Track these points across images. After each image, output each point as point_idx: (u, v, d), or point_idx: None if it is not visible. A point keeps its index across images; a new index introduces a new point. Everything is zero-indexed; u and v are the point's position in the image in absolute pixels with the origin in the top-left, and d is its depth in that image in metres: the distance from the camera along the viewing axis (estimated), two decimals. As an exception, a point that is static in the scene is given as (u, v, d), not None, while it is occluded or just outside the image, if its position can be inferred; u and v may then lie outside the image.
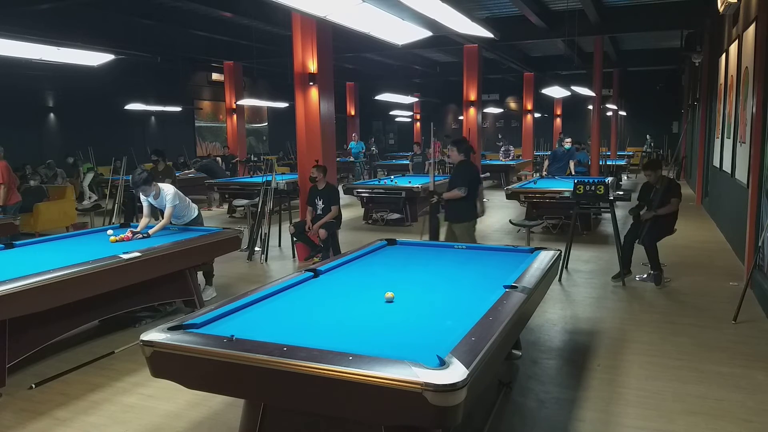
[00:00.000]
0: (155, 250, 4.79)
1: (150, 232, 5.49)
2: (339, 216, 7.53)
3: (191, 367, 2.53)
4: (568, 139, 11.75)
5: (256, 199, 8.55)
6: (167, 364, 2.59)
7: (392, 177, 13.11)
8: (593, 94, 15.33)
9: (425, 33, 5.13)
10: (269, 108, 22.07)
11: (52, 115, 15.68)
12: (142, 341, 2.59)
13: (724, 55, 8.87)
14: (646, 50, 18.11)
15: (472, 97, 13.97)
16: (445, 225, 6.16)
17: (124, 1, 10.84)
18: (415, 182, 10.84)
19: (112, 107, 16.00)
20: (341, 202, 7.64)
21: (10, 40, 7.32)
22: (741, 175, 6.93)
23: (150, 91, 16.22)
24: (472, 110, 14.07)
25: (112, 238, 5.33)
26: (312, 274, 3.84)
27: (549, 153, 14.46)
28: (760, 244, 5.62)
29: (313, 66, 7.47)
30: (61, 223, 9.75)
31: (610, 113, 21.68)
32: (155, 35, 13.45)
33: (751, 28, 6.39)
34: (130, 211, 9.30)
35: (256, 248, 7.91)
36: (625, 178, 18.50)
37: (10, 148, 10.23)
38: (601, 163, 15.22)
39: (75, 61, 8.74)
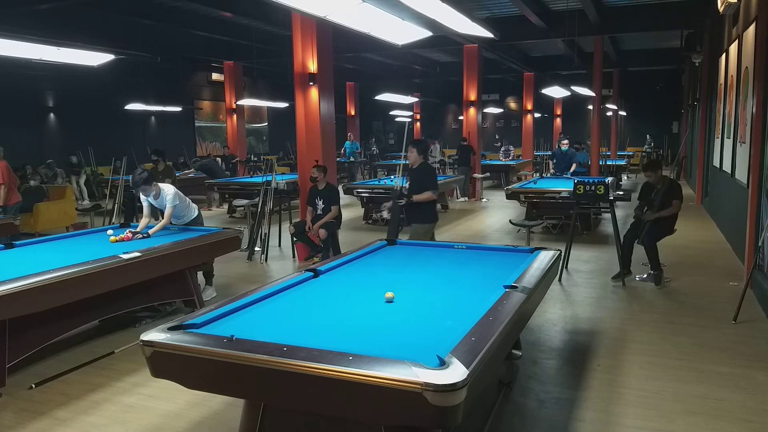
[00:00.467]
0: (155, 250, 4.79)
1: (150, 232, 5.49)
2: (339, 216, 7.53)
3: (191, 367, 2.53)
4: (565, 141, 11.73)
5: (256, 199, 8.55)
6: (167, 364, 2.59)
7: (392, 177, 13.11)
8: (593, 94, 15.33)
9: (425, 33, 5.13)
10: (269, 108, 22.06)
11: (52, 115, 15.68)
12: (142, 341, 2.59)
13: (724, 55, 8.87)
14: (646, 50, 18.11)
15: (472, 97, 13.98)
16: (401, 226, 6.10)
17: (124, 1, 10.85)
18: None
19: (112, 107, 16.00)
20: (341, 202, 7.64)
21: (10, 40, 7.32)
22: (741, 175, 6.93)
23: (150, 91, 16.22)
24: (472, 110, 14.08)
25: (112, 238, 5.33)
26: (312, 274, 3.84)
27: (550, 153, 14.48)
28: (760, 244, 5.62)
29: (313, 66, 7.47)
30: (61, 223, 9.75)
31: (610, 113, 21.68)
32: (155, 35, 13.45)
33: (751, 28, 6.39)
34: (130, 211, 9.30)
35: (256, 248, 7.91)
36: (625, 178, 18.50)
37: (10, 148, 10.23)
38: (601, 163, 15.22)
39: (75, 61, 8.74)
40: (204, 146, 20.41)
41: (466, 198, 14.23)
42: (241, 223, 10.40)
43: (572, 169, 11.32)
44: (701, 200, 12.20)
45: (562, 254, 5.98)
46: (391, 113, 25.69)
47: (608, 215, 9.33)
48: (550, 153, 18.81)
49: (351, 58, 16.76)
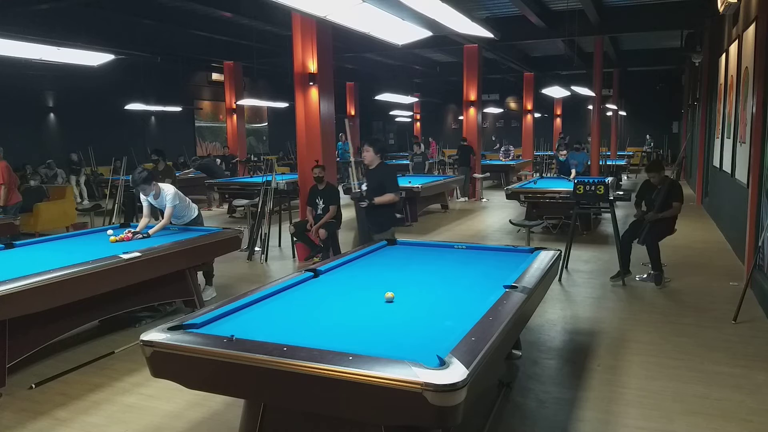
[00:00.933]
0: (155, 250, 4.79)
1: (150, 232, 5.49)
2: (339, 216, 7.53)
3: (191, 367, 2.53)
4: (564, 151, 11.79)
5: (256, 199, 8.55)
6: (167, 364, 2.59)
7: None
8: (593, 94, 15.33)
9: (425, 33, 5.13)
10: (269, 108, 22.06)
11: (52, 115, 15.69)
12: (142, 341, 2.59)
13: (724, 55, 8.87)
14: (646, 50, 18.11)
15: (472, 97, 13.98)
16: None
17: (124, 1, 10.84)
18: (415, 182, 10.84)
19: (112, 107, 16.00)
20: (341, 201, 7.64)
21: (10, 40, 7.32)
22: (741, 175, 6.93)
23: (150, 91, 16.23)
24: (472, 110, 14.08)
25: (112, 238, 5.33)
26: (312, 274, 3.84)
27: (553, 153, 14.47)
28: (760, 244, 5.62)
29: (313, 66, 7.47)
30: (61, 223, 9.75)
31: (610, 113, 21.67)
32: (155, 35, 13.45)
33: (751, 28, 6.39)
34: (130, 211, 9.30)
35: (256, 248, 7.91)
36: (625, 178, 18.50)
37: (10, 148, 10.24)
38: (601, 163, 15.22)
39: (75, 61, 8.74)
40: (204, 146, 20.43)
41: (466, 198, 14.23)
42: (241, 223, 10.40)
43: (572, 175, 11.33)
44: (701, 200, 12.20)
45: (562, 254, 5.98)
46: (391, 113, 25.70)
47: (608, 215, 9.31)
48: (551, 153, 18.86)
49: (351, 58, 16.75)
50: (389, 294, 3.29)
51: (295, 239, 7.75)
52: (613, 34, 14.31)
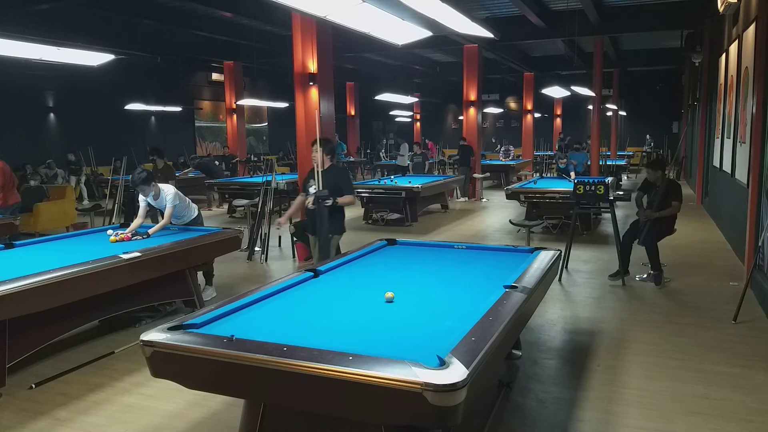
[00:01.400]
0: (155, 250, 4.79)
1: (150, 232, 5.49)
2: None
3: (191, 367, 2.53)
4: (563, 159, 11.91)
5: (256, 199, 8.55)
6: (167, 364, 2.59)
7: (392, 177, 13.12)
8: (593, 94, 15.34)
9: (425, 33, 5.14)
10: (269, 108, 22.06)
11: (52, 115, 15.69)
12: (142, 341, 2.59)
13: (724, 55, 8.87)
14: (646, 50, 18.12)
15: (472, 97, 13.98)
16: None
17: (124, 1, 10.85)
18: (415, 182, 10.85)
19: (112, 107, 16.01)
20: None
21: (10, 40, 7.32)
22: (741, 175, 6.93)
23: (150, 91, 16.23)
24: (472, 110, 14.08)
25: (112, 238, 5.33)
26: (312, 274, 3.84)
27: (553, 153, 14.49)
28: (760, 244, 5.62)
29: (313, 66, 7.47)
30: (61, 223, 9.75)
31: (610, 113, 21.68)
32: (155, 35, 13.46)
33: (751, 28, 6.39)
34: (130, 211, 9.29)
35: (256, 248, 7.91)
36: (625, 178, 18.51)
37: (10, 148, 10.25)
38: (601, 163, 15.23)
39: (75, 61, 8.74)
40: (204, 146, 20.43)
41: (466, 198, 14.24)
42: (241, 223, 10.40)
43: (572, 176, 11.35)
44: (701, 200, 12.20)
45: (562, 254, 5.98)
46: (391, 113, 25.70)
47: (608, 215, 9.32)
48: (551, 153, 18.88)
49: (351, 58, 16.76)
50: (389, 294, 3.29)
51: (295, 239, 7.75)
52: (613, 34, 14.32)
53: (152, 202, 5.77)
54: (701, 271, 6.78)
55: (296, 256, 7.87)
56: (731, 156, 7.74)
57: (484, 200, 14.07)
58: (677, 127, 23.34)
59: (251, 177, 14.19)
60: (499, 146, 20.69)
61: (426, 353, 2.28)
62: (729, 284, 6.16)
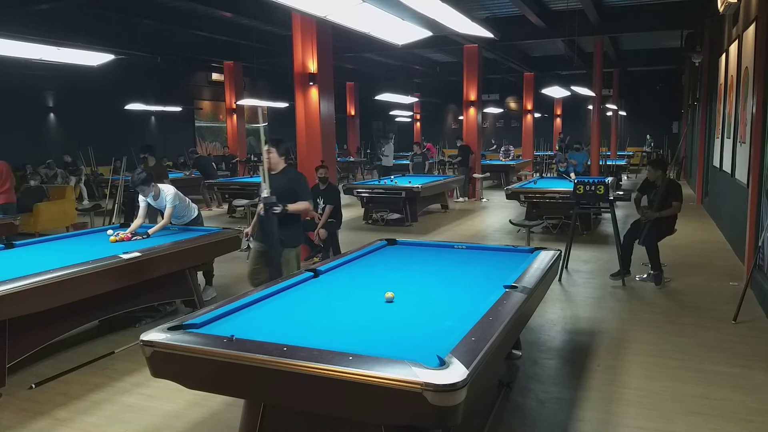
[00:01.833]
0: (155, 250, 4.79)
1: (150, 232, 5.48)
2: (339, 216, 7.53)
3: (191, 367, 2.53)
4: (564, 163, 12.03)
5: (256, 199, 8.54)
6: (167, 364, 2.59)
7: (392, 177, 13.12)
8: (593, 94, 15.33)
9: (425, 33, 5.13)
10: (269, 108, 22.05)
11: (52, 115, 15.69)
12: (142, 341, 2.59)
13: (724, 55, 8.87)
14: (646, 50, 18.12)
15: (472, 97, 13.98)
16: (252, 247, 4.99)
17: (124, 1, 10.85)
18: (415, 182, 10.85)
19: (112, 107, 16.01)
20: (341, 201, 7.64)
21: (10, 40, 7.32)
22: (741, 175, 6.93)
23: (150, 91, 16.23)
24: (472, 110, 14.08)
25: (112, 238, 5.33)
26: (312, 274, 3.84)
27: (553, 153, 14.50)
28: (760, 244, 5.62)
29: (313, 66, 7.47)
30: (61, 223, 9.75)
31: (610, 113, 21.67)
32: (155, 35, 13.45)
33: (751, 28, 6.39)
34: (130, 211, 9.29)
35: (256, 248, 7.90)
36: (625, 178, 18.51)
37: (11, 149, 10.24)
38: (601, 163, 15.23)
39: (75, 61, 8.74)
40: (204, 146, 20.43)
41: (466, 198, 14.23)
42: (241, 223, 10.39)
43: (572, 176, 11.37)
44: (701, 200, 12.20)
45: (562, 254, 5.98)
46: (391, 113, 25.70)
47: (608, 215, 9.32)
48: (551, 153, 18.88)
49: (351, 58, 16.76)
50: (389, 294, 3.29)
51: (295, 239, 7.74)
52: (613, 34, 14.32)
53: (152, 203, 5.77)
54: (701, 271, 6.78)
55: (296, 256, 7.86)
56: (731, 156, 7.74)
57: (484, 200, 14.07)
58: (677, 127, 23.34)
59: (251, 177, 14.18)
60: (495, 146, 20.72)
61: (426, 353, 2.28)
62: (729, 284, 6.16)
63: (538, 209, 9.44)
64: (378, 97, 17.94)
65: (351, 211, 11.88)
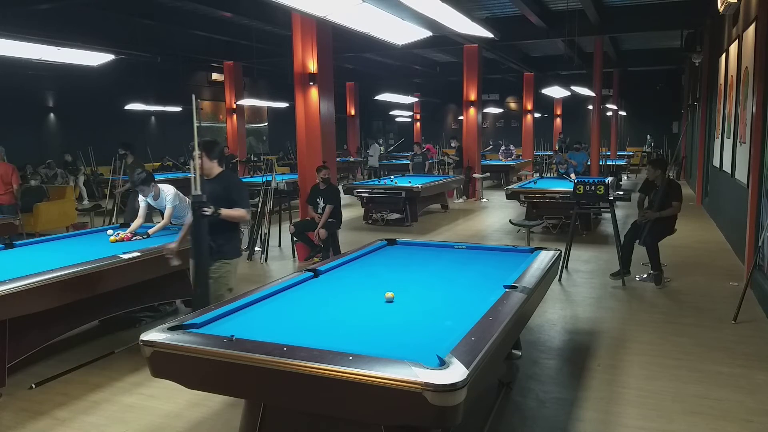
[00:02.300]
0: (155, 250, 4.79)
1: (150, 232, 5.48)
2: (339, 216, 7.53)
3: (191, 367, 2.53)
4: (564, 164, 12.01)
5: (256, 199, 8.55)
6: (167, 364, 2.59)
7: (392, 177, 13.12)
8: (593, 94, 15.33)
9: (425, 33, 5.13)
10: (269, 108, 22.06)
11: (52, 115, 15.68)
12: (142, 341, 2.59)
13: (724, 55, 8.87)
14: (646, 50, 18.11)
15: (472, 97, 13.98)
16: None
17: (124, 1, 10.85)
18: (415, 182, 10.85)
19: (112, 107, 16.00)
20: (341, 201, 7.63)
21: (10, 40, 7.32)
22: (741, 175, 6.93)
23: (150, 91, 16.22)
24: (472, 110, 14.08)
25: (112, 238, 5.33)
26: (312, 274, 3.84)
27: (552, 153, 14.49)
28: (760, 244, 5.62)
29: (313, 66, 7.47)
30: (61, 223, 9.75)
31: (610, 113, 21.67)
32: (155, 35, 13.44)
33: (751, 28, 6.39)
34: (130, 211, 9.27)
35: (256, 248, 7.91)
36: (625, 178, 18.51)
37: (11, 148, 10.23)
38: (601, 163, 15.22)
39: (75, 61, 8.74)
40: (204, 146, 20.40)
41: (464, 198, 14.23)
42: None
43: (572, 177, 11.38)
44: (701, 200, 12.20)
45: (562, 254, 5.98)
46: (391, 113, 25.70)
47: (608, 215, 9.33)
48: (551, 153, 18.89)
49: (351, 58, 16.75)
50: (389, 294, 3.29)
51: (295, 239, 7.75)
52: (613, 34, 14.31)
53: (152, 203, 5.77)
54: (701, 271, 6.78)
55: (296, 256, 7.87)
56: (731, 156, 7.74)
57: (484, 200, 14.07)
58: (677, 127, 23.34)
59: (251, 177, 14.17)
60: (491, 146, 20.74)
61: (426, 353, 2.28)
62: (729, 284, 6.16)
63: (538, 209, 9.44)
64: (378, 97, 17.96)
65: (351, 211, 11.88)
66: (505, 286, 3.34)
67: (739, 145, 7.13)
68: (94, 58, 8.75)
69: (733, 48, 7.79)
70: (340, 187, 8.70)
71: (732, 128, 7.75)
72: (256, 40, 13.05)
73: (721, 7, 6.17)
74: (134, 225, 5.57)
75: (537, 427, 3.37)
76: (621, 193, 9.07)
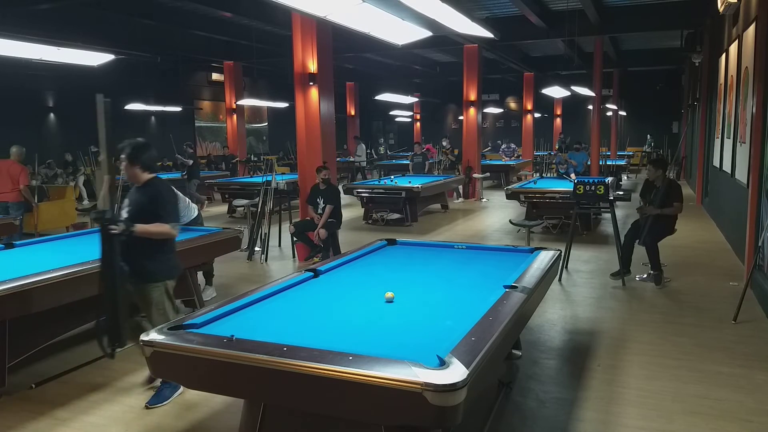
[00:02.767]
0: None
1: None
2: (339, 216, 7.53)
3: (191, 367, 2.53)
4: (564, 164, 12.03)
5: (256, 199, 8.55)
6: (167, 364, 2.59)
7: (392, 177, 13.12)
8: (593, 94, 15.33)
9: (425, 33, 5.13)
10: (269, 108, 22.06)
11: (52, 115, 15.68)
12: (142, 341, 2.59)
13: (724, 55, 8.87)
14: (646, 50, 18.11)
15: (472, 97, 13.98)
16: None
17: (124, 1, 10.85)
18: (415, 182, 10.85)
19: (112, 107, 15.97)
20: (341, 201, 7.64)
21: (10, 40, 7.32)
22: (741, 175, 6.93)
23: (150, 91, 16.22)
24: (472, 110, 14.08)
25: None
26: (312, 274, 3.84)
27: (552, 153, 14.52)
28: (760, 244, 5.62)
29: (313, 66, 7.47)
30: (61, 223, 9.75)
31: (610, 113, 21.67)
32: (155, 35, 13.44)
33: (751, 28, 6.39)
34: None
35: (256, 248, 7.91)
36: (625, 178, 18.51)
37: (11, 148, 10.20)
38: (601, 163, 15.22)
39: (75, 61, 8.74)
40: (204, 146, 20.42)
41: (462, 199, 14.23)
42: (241, 223, 10.39)
43: (572, 177, 11.39)
44: (701, 200, 12.20)
45: (562, 254, 5.98)
46: (391, 113, 25.69)
47: (608, 215, 9.32)
48: (551, 153, 18.88)
49: (351, 58, 16.75)
50: (389, 294, 3.29)
51: (295, 239, 7.75)
52: (613, 34, 14.31)
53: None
54: (701, 271, 6.78)
55: (296, 256, 7.87)
56: (731, 156, 7.74)
57: (484, 200, 14.07)
58: (677, 127, 23.33)
59: (251, 177, 14.16)
60: (489, 147, 20.75)
61: (426, 353, 2.28)
62: (729, 284, 6.16)
63: (538, 209, 9.43)
64: (378, 97, 17.95)
65: (351, 211, 11.88)
66: (505, 286, 3.34)
67: (739, 145, 7.13)
68: (94, 58, 8.76)
69: (733, 48, 7.79)
70: (340, 187, 8.70)
71: (732, 128, 7.75)
72: (256, 40, 13.04)
73: (721, 7, 6.17)
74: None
75: (537, 427, 3.37)
76: (621, 193, 9.08)
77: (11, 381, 3.94)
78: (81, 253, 4.63)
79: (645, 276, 6.39)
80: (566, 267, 6.85)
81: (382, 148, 22.77)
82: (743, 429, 3.30)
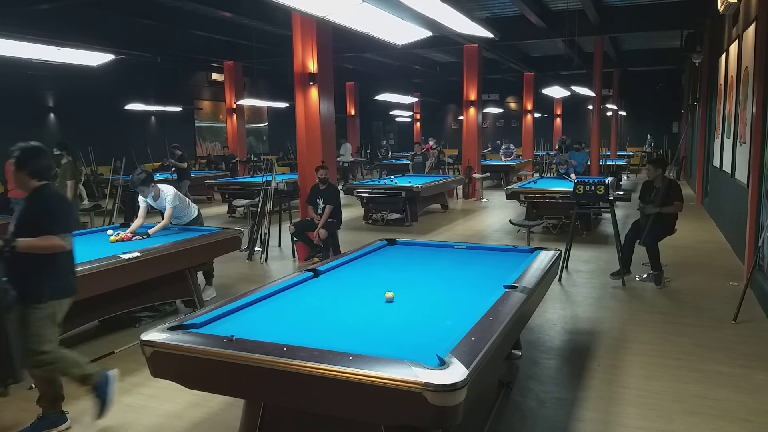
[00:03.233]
0: (155, 250, 4.80)
1: (150, 232, 5.49)
2: (339, 216, 7.53)
3: (191, 367, 2.53)
4: (564, 164, 12.07)
5: (256, 199, 8.55)
6: (167, 364, 2.59)
7: (392, 177, 13.12)
8: (593, 94, 15.33)
9: (425, 33, 5.13)
10: (269, 108, 22.06)
11: (52, 115, 15.68)
12: (142, 341, 2.59)
13: (724, 55, 8.87)
14: (646, 50, 18.11)
15: (472, 97, 13.98)
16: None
17: (124, 1, 10.85)
18: (415, 182, 10.85)
19: (112, 107, 16.00)
20: (341, 201, 7.64)
21: (10, 40, 7.32)
22: (741, 175, 6.93)
23: (150, 91, 16.22)
24: (472, 110, 14.08)
25: (112, 238, 5.33)
26: (312, 274, 3.84)
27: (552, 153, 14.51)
28: (760, 244, 5.62)
29: (313, 66, 7.47)
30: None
31: (610, 113, 21.67)
32: (155, 35, 13.44)
33: (751, 28, 6.39)
34: (130, 211, 9.28)
35: (256, 248, 7.91)
36: (625, 178, 18.51)
37: (10, 148, 10.20)
38: (601, 163, 15.22)
39: (75, 61, 8.73)
40: (204, 146, 20.42)
41: (461, 200, 14.24)
42: (241, 223, 10.40)
43: (573, 177, 11.40)
44: (701, 200, 12.20)
45: (562, 254, 5.98)
46: (391, 113, 25.69)
47: (608, 215, 9.32)
48: (551, 153, 18.87)
49: (351, 58, 16.75)
50: (389, 294, 3.29)
51: (295, 239, 7.75)
52: (613, 34, 14.32)
53: (152, 203, 5.77)
54: (701, 271, 6.78)
55: (296, 256, 7.87)
56: (731, 156, 7.74)
57: (484, 200, 14.07)
58: (677, 127, 23.33)
59: (251, 177, 14.16)
60: (489, 148, 20.76)
61: (426, 353, 2.28)
62: (729, 284, 6.16)
63: (538, 209, 9.44)
64: (378, 97, 17.95)
65: (351, 211, 11.88)
66: (505, 286, 3.34)
67: (739, 145, 7.13)
68: (94, 58, 8.75)
69: (733, 48, 7.79)
70: (339, 187, 8.70)
71: (732, 128, 7.75)
72: (256, 40, 13.04)
73: (721, 7, 6.17)
74: (134, 225, 5.58)
75: (537, 427, 3.37)
76: (621, 193, 9.07)
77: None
78: (81, 253, 4.62)
79: (645, 276, 6.39)
80: (566, 267, 6.85)
81: (383, 150, 22.76)
82: (743, 429, 3.30)
